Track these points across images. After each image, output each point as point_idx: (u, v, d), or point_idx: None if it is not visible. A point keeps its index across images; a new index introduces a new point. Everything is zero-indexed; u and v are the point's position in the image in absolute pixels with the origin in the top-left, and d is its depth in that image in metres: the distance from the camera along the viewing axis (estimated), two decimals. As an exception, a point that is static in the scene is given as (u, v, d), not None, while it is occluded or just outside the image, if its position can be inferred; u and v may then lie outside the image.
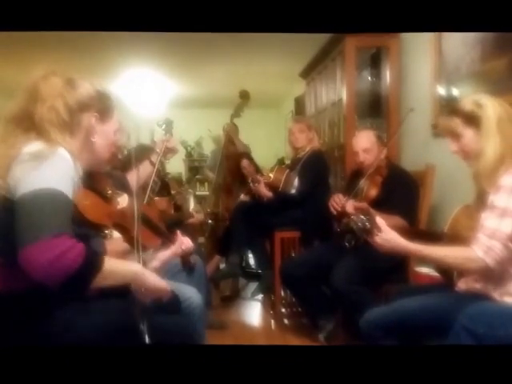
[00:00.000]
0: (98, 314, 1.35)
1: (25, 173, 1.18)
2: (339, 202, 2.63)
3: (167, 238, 1.75)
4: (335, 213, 2.64)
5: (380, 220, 1.65)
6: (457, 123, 1.64)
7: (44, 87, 1.30)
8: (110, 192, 1.61)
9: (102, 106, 1.42)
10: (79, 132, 1.35)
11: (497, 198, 1.52)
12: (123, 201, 1.65)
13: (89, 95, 1.37)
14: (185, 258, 1.69)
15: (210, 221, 3.66)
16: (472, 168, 1.66)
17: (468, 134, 1.62)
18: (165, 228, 2.39)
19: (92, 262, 1.17)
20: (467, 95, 1.78)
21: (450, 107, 1.79)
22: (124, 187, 1.92)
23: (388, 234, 1.64)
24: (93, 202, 1.51)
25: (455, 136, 1.66)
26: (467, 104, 1.63)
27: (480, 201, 1.61)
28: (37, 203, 1.15)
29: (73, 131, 1.32)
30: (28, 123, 1.28)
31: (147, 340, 1.36)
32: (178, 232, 1.67)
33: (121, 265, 1.33)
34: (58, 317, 1.29)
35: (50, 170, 1.19)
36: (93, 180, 1.53)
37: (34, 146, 1.23)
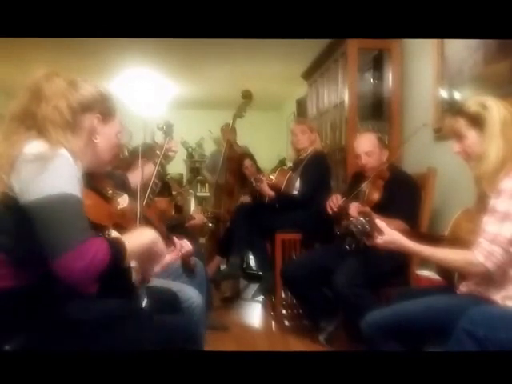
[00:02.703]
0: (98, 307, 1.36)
1: (31, 176, 1.17)
2: (336, 202, 2.70)
3: (167, 240, 1.74)
4: (331, 212, 2.72)
5: (381, 222, 1.65)
6: (461, 124, 1.63)
7: (47, 87, 1.30)
8: (110, 192, 1.61)
9: (104, 107, 1.42)
10: (81, 132, 1.35)
11: (498, 202, 1.51)
12: (123, 201, 1.65)
13: (91, 96, 1.38)
14: (185, 260, 1.69)
15: (210, 224, 3.66)
16: (473, 171, 1.65)
17: (471, 135, 1.62)
18: (165, 229, 2.39)
19: (118, 254, 1.20)
20: (470, 98, 1.77)
21: (453, 109, 1.79)
22: (124, 187, 1.91)
23: (391, 235, 1.64)
24: (94, 202, 1.50)
25: (459, 137, 1.66)
26: (472, 105, 1.62)
27: (481, 204, 1.61)
28: (54, 211, 1.15)
29: (75, 132, 1.32)
30: (30, 122, 1.28)
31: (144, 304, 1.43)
32: (175, 238, 1.66)
33: (137, 240, 1.35)
34: (59, 313, 1.29)
35: (57, 172, 1.19)
36: (93, 180, 1.52)
37: (35, 146, 1.23)
